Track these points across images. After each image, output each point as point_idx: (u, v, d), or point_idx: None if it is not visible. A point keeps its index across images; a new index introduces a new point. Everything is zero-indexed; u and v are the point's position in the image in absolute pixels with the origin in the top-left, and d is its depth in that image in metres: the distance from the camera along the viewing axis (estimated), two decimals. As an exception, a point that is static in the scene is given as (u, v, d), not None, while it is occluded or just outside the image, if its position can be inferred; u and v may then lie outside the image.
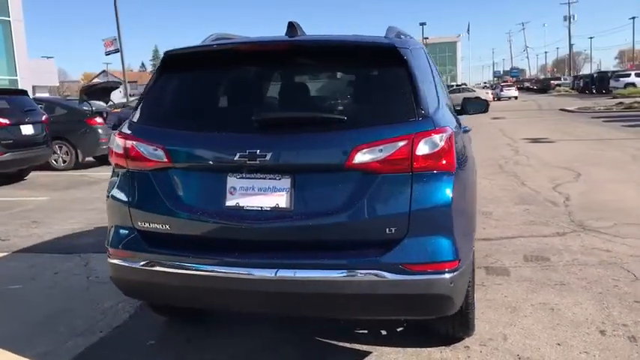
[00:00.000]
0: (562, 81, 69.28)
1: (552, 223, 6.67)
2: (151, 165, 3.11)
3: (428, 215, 2.85)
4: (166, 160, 3.06)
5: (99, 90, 14.34)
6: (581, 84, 55.25)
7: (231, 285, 2.96)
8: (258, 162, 2.88)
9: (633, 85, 44.30)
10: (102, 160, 13.93)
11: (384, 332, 3.81)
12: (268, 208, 2.93)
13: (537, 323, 3.88)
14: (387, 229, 2.83)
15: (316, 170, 2.93)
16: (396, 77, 2.99)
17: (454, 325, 3.47)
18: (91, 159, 13.87)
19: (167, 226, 3.07)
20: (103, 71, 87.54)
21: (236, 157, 2.91)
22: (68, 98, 21.27)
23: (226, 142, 2.97)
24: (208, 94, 3.30)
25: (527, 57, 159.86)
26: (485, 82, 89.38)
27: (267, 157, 2.87)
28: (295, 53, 3.17)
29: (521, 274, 4.89)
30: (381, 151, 2.82)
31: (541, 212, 7.23)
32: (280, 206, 2.92)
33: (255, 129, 2.95)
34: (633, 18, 76.89)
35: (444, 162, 2.88)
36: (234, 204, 2.97)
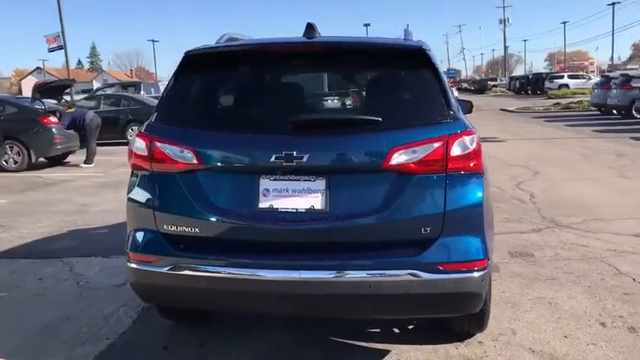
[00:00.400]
0: (498, 82, 71.36)
1: (525, 220, 6.92)
2: (179, 167, 3.05)
3: (461, 215, 2.93)
4: (196, 162, 3.02)
5: (53, 88, 13.81)
6: (517, 85, 57.08)
7: (265, 288, 2.95)
8: (294, 164, 2.88)
9: (567, 86, 46.18)
10: (55, 161, 13.43)
11: (396, 330, 3.87)
12: (303, 210, 2.93)
13: (540, 317, 4.03)
14: (423, 229, 2.89)
15: (352, 171, 2.96)
16: (425, 79, 3.06)
17: (471, 321, 3.56)
18: (43, 160, 13.34)
19: (196, 229, 3.03)
20: (38, 68, 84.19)
21: (272, 159, 2.90)
22: (18, 97, 20.40)
23: (261, 143, 2.96)
24: (236, 95, 3.27)
25: (464, 58, 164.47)
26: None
27: (305, 159, 2.87)
28: (326, 55, 3.19)
29: (510, 269, 5.06)
30: (417, 152, 2.88)
31: (512, 210, 7.48)
32: (316, 208, 2.93)
33: (290, 130, 2.95)
34: (564, 22, 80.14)
35: (474, 163, 2.97)
36: (267, 206, 2.96)
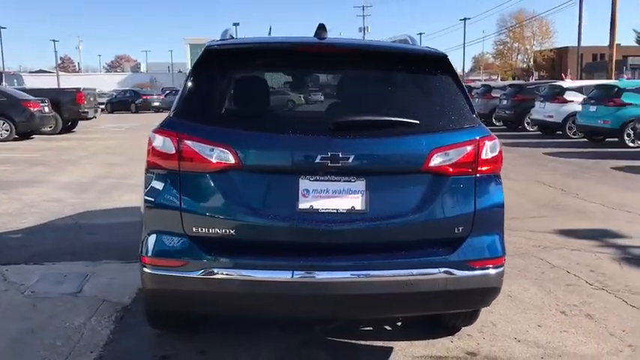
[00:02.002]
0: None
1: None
2: (212, 167, 2.91)
3: (488, 214, 3.11)
4: (233, 161, 2.90)
5: None
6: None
7: (305, 290, 2.92)
8: (340, 164, 2.88)
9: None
10: None
11: (389, 328, 3.97)
12: (344, 211, 2.94)
13: (509, 309, 4.35)
14: (456, 229, 3.03)
15: (391, 173, 3.02)
16: (450, 85, 3.20)
17: (466, 316, 3.76)
18: None
19: (231, 231, 2.91)
20: None
21: (317, 160, 2.87)
22: None
23: (305, 143, 2.92)
24: (270, 93, 3.18)
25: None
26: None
27: (350, 160, 2.88)
28: (358, 58, 3.21)
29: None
30: (453, 154, 3.02)
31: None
32: (356, 208, 2.95)
33: (331, 131, 2.94)
34: (420, 34, 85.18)
35: (498, 165, 3.17)
36: (307, 207, 2.93)
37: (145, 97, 43.40)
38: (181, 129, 2.97)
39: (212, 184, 2.93)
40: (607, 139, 16.81)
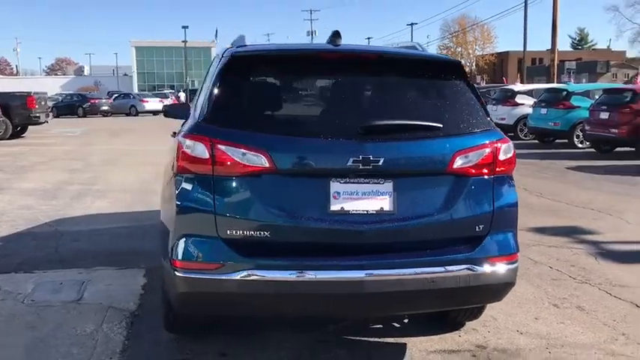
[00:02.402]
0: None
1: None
2: (247, 170, 2.97)
3: (504, 213, 3.28)
4: (268, 165, 2.97)
5: None
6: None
7: (337, 289, 3.01)
8: (371, 167, 2.99)
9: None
10: None
11: (397, 325, 4.11)
12: (374, 212, 3.05)
13: (506, 304, 4.50)
14: (477, 227, 3.19)
15: (417, 174, 3.15)
16: (466, 89, 3.37)
17: (473, 311, 3.92)
18: None
19: (266, 233, 2.98)
20: None
21: (349, 163, 2.97)
22: None
23: (337, 147, 3.01)
24: (299, 98, 3.26)
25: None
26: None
27: (380, 162, 3.00)
28: (382, 64, 3.34)
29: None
30: (474, 156, 3.18)
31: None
32: (385, 209, 3.06)
33: (360, 135, 3.04)
34: (369, 38, 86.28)
35: (512, 166, 3.35)
36: (339, 208, 3.02)
37: (92, 101, 42.30)
38: (214, 134, 3.01)
39: (246, 188, 2.98)
40: (557, 141, 17.54)
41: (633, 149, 14.17)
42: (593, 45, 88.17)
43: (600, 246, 6.29)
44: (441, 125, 3.18)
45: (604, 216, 7.81)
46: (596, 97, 16.27)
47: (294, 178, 3.06)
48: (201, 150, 3.00)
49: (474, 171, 3.18)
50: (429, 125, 3.16)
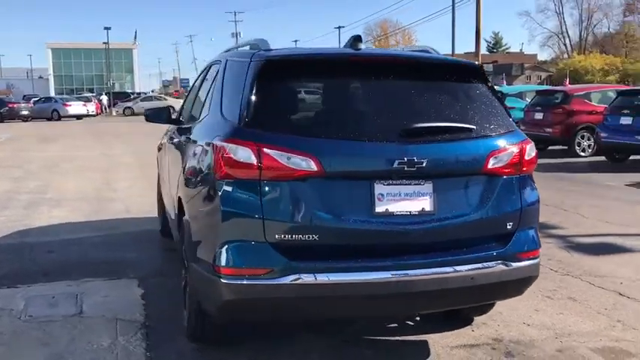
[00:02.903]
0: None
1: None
2: (295, 175, 2.97)
3: (530, 210, 3.45)
4: (316, 169, 2.98)
5: None
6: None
7: (385, 289, 3.07)
8: (415, 168, 3.07)
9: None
10: None
11: (411, 323, 4.19)
12: (416, 212, 3.13)
13: (505, 298, 4.74)
14: (508, 224, 3.34)
15: (455, 175, 3.25)
16: (488, 92, 3.53)
17: (484, 306, 4.07)
18: None
19: (315, 237, 2.99)
20: None
21: (395, 165, 3.03)
22: None
23: (380, 150, 3.07)
24: (338, 102, 3.29)
25: (196, 68, 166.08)
26: (153, 91, 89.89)
27: (424, 164, 3.08)
28: (413, 68, 3.43)
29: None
30: (505, 157, 3.32)
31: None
32: (426, 210, 3.15)
33: (402, 137, 3.11)
34: (296, 41, 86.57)
35: (534, 166, 3.52)
36: (383, 210, 3.08)
37: (11, 106, 40.17)
38: (260, 139, 2.99)
39: (293, 192, 2.99)
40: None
41: (566, 147, 15.03)
42: (507, 48, 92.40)
43: (568, 240, 6.64)
44: (475, 127, 3.30)
45: (559, 211, 8.23)
46: (528, 98, 17.10)
47: (340, 180, 3.09)
48: (247, 155, 2.97)
49: (505, 171, 3.32)
50: (465, 127, 3.27)
